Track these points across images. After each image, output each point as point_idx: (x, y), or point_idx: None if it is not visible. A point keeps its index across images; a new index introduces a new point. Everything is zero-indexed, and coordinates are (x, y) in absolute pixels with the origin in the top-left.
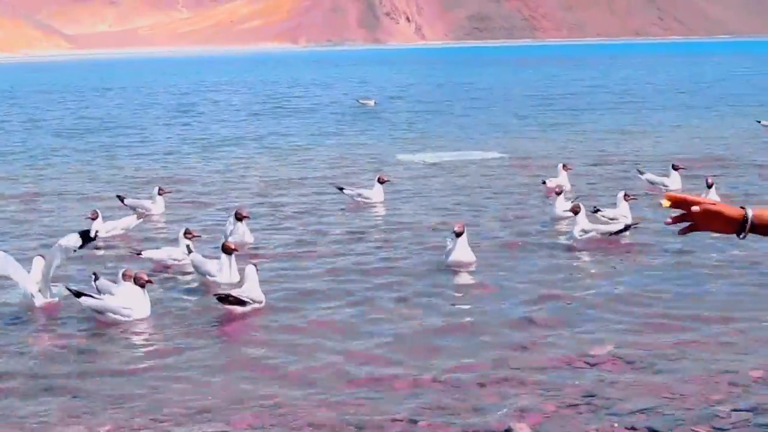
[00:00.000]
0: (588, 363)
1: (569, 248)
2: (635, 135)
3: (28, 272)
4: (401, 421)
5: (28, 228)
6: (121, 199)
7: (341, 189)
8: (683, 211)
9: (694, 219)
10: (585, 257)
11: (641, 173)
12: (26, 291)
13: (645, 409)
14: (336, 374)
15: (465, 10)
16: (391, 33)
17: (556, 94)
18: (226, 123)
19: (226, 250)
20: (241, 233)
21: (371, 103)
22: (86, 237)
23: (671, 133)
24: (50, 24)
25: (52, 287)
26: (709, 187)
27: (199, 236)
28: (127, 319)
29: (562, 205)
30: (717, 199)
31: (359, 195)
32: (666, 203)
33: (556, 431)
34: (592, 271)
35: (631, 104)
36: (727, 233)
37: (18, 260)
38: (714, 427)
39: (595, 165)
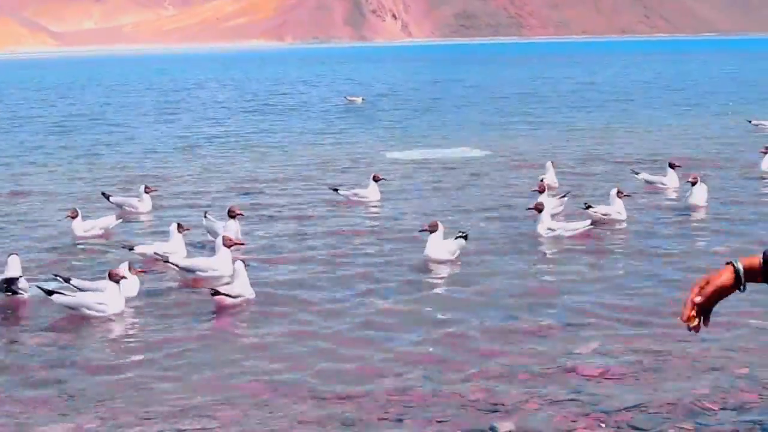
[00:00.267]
0: (573, 361)
1: (554, 247)
2: (623, 133)
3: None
4: (387, 419)
5: (7, 226)
6: (106, 196)
7: (336, 190)
8: (694, 311)
9: (705, 307)
10: (569, 256)
11: (636, 173)
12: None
13: (631, 407)
14: (323, 371)
15: (451, 7)
16: (377, 30)
17: (543, 92)
18: (212, 121)
19: (225, 243)
20: (235, 231)
21: (359, 100)
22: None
23: (660, 131)
24: (36, 21)
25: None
26: (693, 184)
27: (188, 229)
28: (101, 314)
29: (546, 203)
30: (705, 195)
31: (355, 194)
32: (695, 322)
33: (540, 429)
34: (578, 270)
35: (618, 102)
36: (734, 291)
37: None
38: (699, 424)
39: (583, 162)
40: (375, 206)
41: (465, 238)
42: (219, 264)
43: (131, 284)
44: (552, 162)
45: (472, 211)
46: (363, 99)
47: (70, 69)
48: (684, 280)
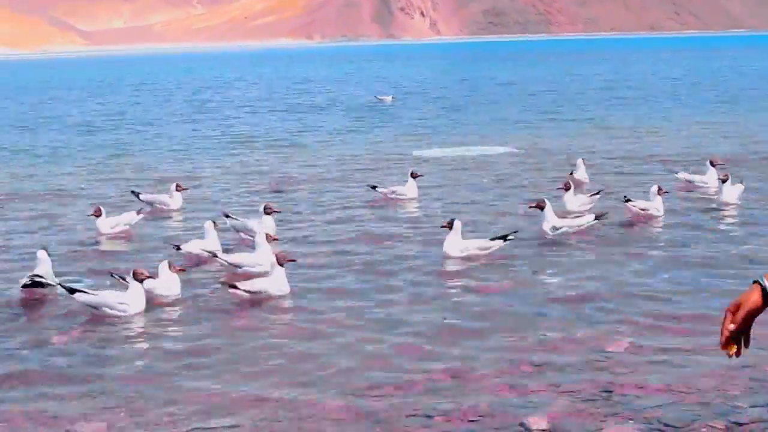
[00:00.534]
0: (604, 358)
1: (583, 243)
2: (655, 131)
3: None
4: (417, 416)
5: (32, 224)
6: (136, 194)
7: (374, 187)
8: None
9: (740, 330)
10: (598, 252)
11: (675, 173)
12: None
13: (662, 405)
14: (353, 369)
15: (480, 4)
16: (405, 28)
17: (572, 90)
18: (241, 120)
19: (279, 261)
20: (272, 227)
21: (389, 98)
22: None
23: (692, 128)
24: (66, 21)
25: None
26: (723, 182)
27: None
28: (123, 314)
29: (572, 201)
30: (737, 192)
31: (393, 192)
32: (732, 350)
33: (571, 427)
34: (608, 266)
35: (648, 99)
36: (764, 310)
37: (23, 257)
38: (731, 422)
39: (615, 160)
40: (413, 203)
41: (504, 239)
42: (263, 259)
43: (172, 282)
44: (583, 159)
45: (501, 209)
46: (393, 97)
47: (99, 68)
48: (713, 280)
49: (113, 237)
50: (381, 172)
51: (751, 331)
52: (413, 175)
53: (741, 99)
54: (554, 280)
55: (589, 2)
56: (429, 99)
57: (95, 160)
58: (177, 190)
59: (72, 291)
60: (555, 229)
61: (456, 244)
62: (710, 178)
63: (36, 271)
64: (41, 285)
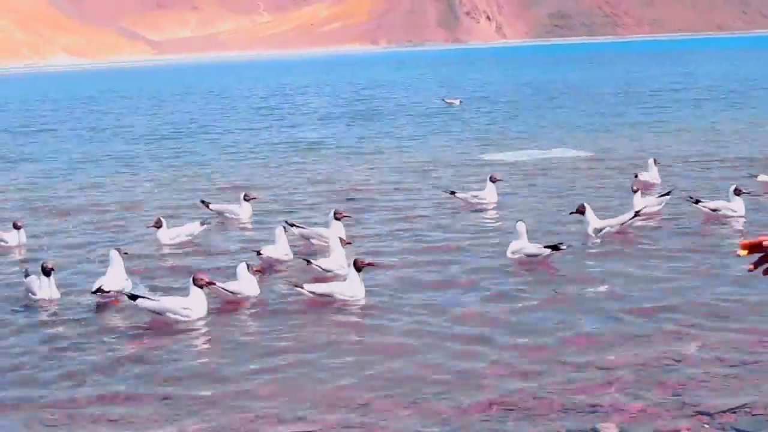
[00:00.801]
0: (676, 361)
1: (651, 247)
2: (727, 131)
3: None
4: (488, 421)
5: (100, 235)
6: (206, 204)
7: (453, 193)
8: (761, 253)
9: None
10: (668, 254)
11: (754, 176)
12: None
13: (735, 408)
14: (423, 375)
15: (545, 7)
16: (471, 32)
17: (640, 91)
18: (309, 127)
19: (357, 266)
20: (342, 233)
21: (457, 102)
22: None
23: (763, 129)
24: (134, 30)
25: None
26: None
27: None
28: (186, 319)
29: (640, 202)
30: None
31: (474, 196)
32: (743, 252)
33: (643, 431)
34: (678, 268)
35: (718, 100)
36: None
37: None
38: None
39: (685, 162)
40: (492, 208)
41: (555, 248)
42: (341, 263)
43: (252, 284)
44: (654, 159)
45: (564, 214)
46: (461, 101)
47: (167, 77)
48: None
49: (180, 246)
50: (453, 176)
51: None
52: (493, 179)
53: None
54: (622, 282)
55: (655, 3)
56: (497, 102)
57: (164, 170)
58: (246, 199)
59: (134, 297)
60: (598, 231)
61: (511, 246)
62: None
63: (108, 272)
64: (105, 292)
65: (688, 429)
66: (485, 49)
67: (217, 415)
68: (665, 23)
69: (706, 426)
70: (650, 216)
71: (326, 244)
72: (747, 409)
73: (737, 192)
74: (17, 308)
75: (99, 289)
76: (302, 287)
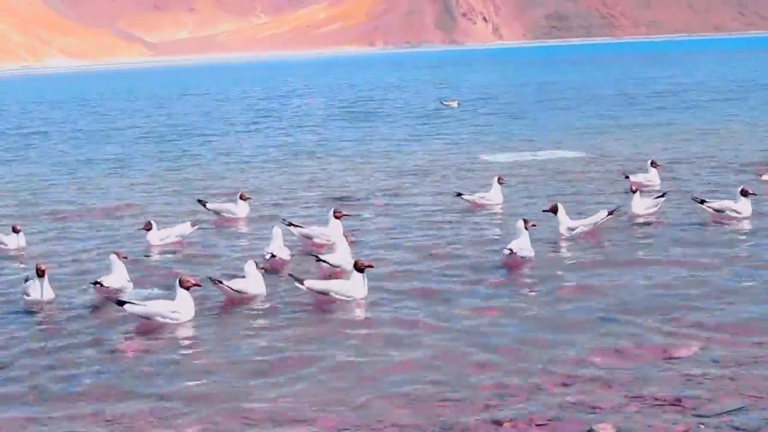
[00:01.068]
0: (673, 363)
1: (650, 248)
2: (724, 133)
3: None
4: (486, 422)
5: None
6: (202, 203)
7: (459, 194)
8: None
9: None
10: (665, 256)
11: (759, 175)
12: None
13: (732, 410)
14: (420, 374)
15: (542, 9)
16: (468, 34)
17: (638, 93)
18: (306, 128)
19: (358, 267)
20: (341, 232)
21: (455, 104)
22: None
23: (761, 130)
24: (132, 32)
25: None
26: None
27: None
28: (175, 321)
29: (638, 203)
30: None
31: (482, 197)
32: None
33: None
34: (676, 269)
35: (716, 102)
36: None
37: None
38: None
39: (684, 163)
40: (498, 209)
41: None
42: (347, 260)
43: (259, 282)
44: (653, 161)
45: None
46: (459, 103)
47: (164, 78)
48: None
49: (179, 246)
50: (452, 177)
51: None
52: (500, 181)
53: None
54: (620, 283)
55: (652, 4)
56: (494, 104)
57: (160, 171)
58: (242, 198)
59: (121, 303)
60: (571, 230)
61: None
62: None
63: (111, 275)
64: (104, 287)
65: (685, 429)
66: (482, 50)
67: (214, 416)
68: (662, 24)
69: (703, 427)
70: (646, 217)
71: (328, 243)
72: (744, 411)
73: (744, 193)
74: (14, 310)
75: (98, 282)
76: (303, 283)
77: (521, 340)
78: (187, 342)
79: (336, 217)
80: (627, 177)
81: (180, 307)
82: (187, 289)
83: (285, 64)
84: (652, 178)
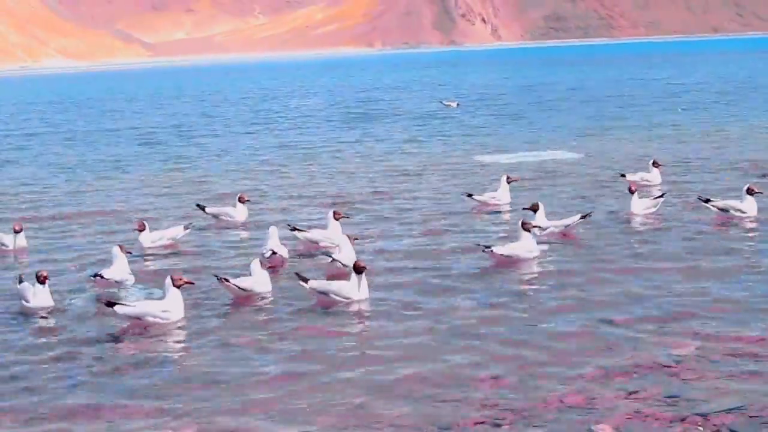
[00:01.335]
0: (671, 363)
1: (649, 249)
2: (723, 134)
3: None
4: (483, 423)
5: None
6: (201, 207)
7: (470, 195)
8: None
9: None
10: (665, 256)
11: (765, 175)
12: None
13: (730, 410)
14: (419, 375)
15: (541, 10)
16: (466, 34)
17: (636, 94)
18: (304, 130)
19: (358, 269)
20: (339, 233)
21: (454, 104)
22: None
23: (761, 132)
24: (129, 33)
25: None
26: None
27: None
28: (166, 321)
29: (637, 203)
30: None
31: (493, 197)
32: None
33: None
34: (675, 270)
35: (716, 103)
36: None
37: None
38: None
39: (683, 164)
40: (507, 210)
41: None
42: (352, 257)
43: (265, 280)
44: (654, 161)
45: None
46: (458, 103)
47: (162, 79)
48: None
49: (180, 247)
50: (452, 178)
51: None
52: (509, 180)
53: None
54: (618, 283)
55: (650, 5)
56: (493, 105)
57: (158, 174)
58: (241, 201)
59: (111, 304)
60: (542, 229)
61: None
62: None
63: (112, 267)
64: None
65: (683, 430)
66: (481, 51)
67: (210, 415)
68: (660, 25)
69: (701, 428)
70: (645, 217)
71: (332, 245)
72: (743, 411)
73: (750, 191)
74: (12, 314)
75: (99, 275)
76: (306, 282)
77: (520, 341)
78: (186, 342)
79: (335, 219)
80: (623, 176)
81: (171, 306)
82: (179, 287)
83: (283, 64)
84: (650, 177)
